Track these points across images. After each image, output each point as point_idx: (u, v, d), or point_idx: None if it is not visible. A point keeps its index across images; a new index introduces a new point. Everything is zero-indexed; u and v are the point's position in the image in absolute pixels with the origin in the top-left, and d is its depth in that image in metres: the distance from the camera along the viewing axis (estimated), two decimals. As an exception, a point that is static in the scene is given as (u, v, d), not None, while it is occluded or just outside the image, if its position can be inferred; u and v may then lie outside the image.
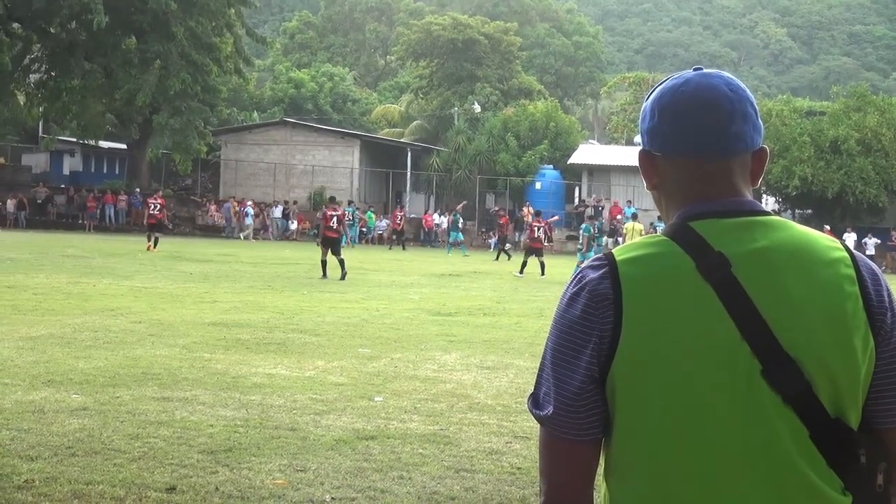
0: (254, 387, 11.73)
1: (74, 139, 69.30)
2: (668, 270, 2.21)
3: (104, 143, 72.28)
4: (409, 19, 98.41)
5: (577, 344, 2.21)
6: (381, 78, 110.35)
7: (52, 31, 59.29)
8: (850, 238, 55.80)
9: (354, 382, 12.40)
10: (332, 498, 7.54)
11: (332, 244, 30.38)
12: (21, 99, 63.01)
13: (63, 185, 66.86)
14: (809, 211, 60.91)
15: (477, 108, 75.67)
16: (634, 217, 42.28)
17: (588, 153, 67.72)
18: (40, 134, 69.77)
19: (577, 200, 65.45)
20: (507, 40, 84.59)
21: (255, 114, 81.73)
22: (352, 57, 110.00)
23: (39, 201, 61.28)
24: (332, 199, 33.31)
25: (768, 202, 63.00)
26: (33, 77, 63.45)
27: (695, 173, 2.34)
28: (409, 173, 69.16)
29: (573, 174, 65.98)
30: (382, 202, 69.15)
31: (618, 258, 2.25)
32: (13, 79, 59.93)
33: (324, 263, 30.18)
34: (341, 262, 29.91)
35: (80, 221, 59.74)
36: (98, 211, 60.98)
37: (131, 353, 13.89)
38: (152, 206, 41.69)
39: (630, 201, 60.36)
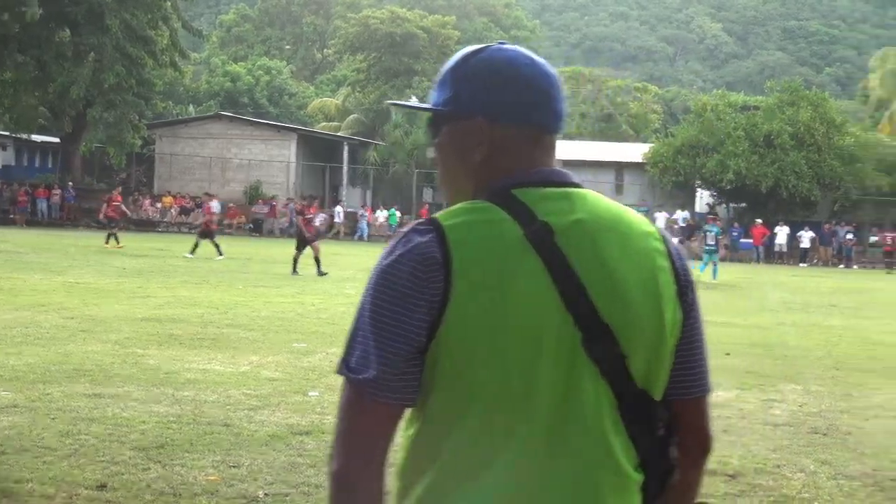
0: (187, 383, 11.66)
1: (6, 133, 68.53)
2: (497, 237, 2.19)
3: (37, 137, 71.52)
4: (346, 12, 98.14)
5: (406, 307, 2.14)
6: (318, 71, 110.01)
7: (-18, 23, 58.63)
8: (783, 231, 56.43)
9: (289, 377, 12.36)
10: (266, 494, 7.50)
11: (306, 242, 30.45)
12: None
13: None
14: (744, 204, 61.40)
15: (414, 101, 75.67)
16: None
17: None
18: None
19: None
20: (445, 34, 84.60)
21: (191, 107, 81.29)
22: (289, 50, 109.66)
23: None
24: (312, 198, 33.56)
25: (703, 196, 63.54)
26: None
27: (529, 143, 2.34)
28: (345, 167, 68.99)
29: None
30: (319, 196, 68.98)
31: (444, 223, 2.21)
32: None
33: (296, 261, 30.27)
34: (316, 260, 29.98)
35: (10, 216, 59.06)
36: (30, 205, 60.33)
37: (63, 349, 13.74)
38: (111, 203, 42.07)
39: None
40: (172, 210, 61.54)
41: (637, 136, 77.91)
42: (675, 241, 2.41)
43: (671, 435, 2.34)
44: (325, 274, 29.44)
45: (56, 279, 24.41)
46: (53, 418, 9.58)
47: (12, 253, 33.43)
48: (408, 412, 2.24)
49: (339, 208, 61.32)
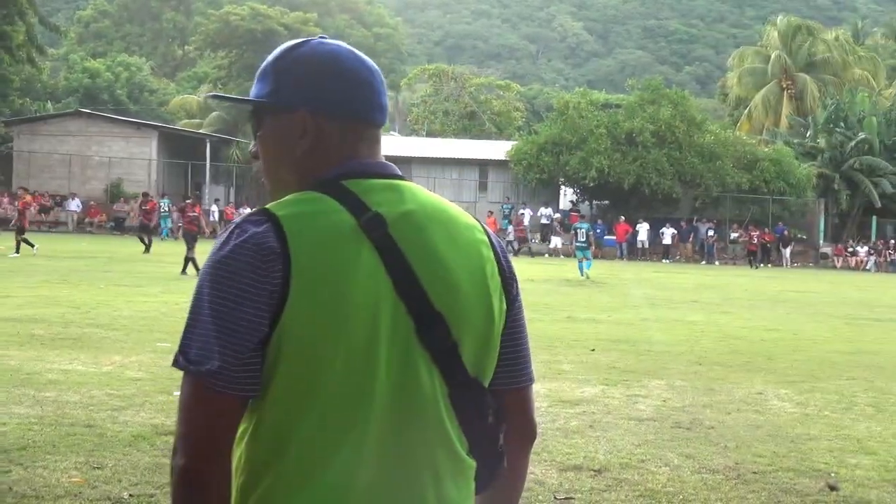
0: (49, 383, 11.48)
1: None
2: (332, 227, 2.21)
3: None
4: (206, 9, 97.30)
5: (247, 298, 2.14)
6: (179, 68, 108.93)
7: None
8: (645, 228, 57.26)
9: (153, 377, 12.22)
10: (131, 495, 7.42)
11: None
12: None
13: None
14: (606, 202, 62.03)
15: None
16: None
17: (389, 144, 67.89)
18: None
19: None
20: (307, 31, 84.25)
21: (49, 104, 79.91)
22: (149, 46, 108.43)
23: None
24: (196, 197, 33.32)
25: (567, 193, 64.11)
26: None
27: (353, 136, 2.38)
28: (208, 165, 68.35)
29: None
30: (181, 194, 68.24)
31: (279, 213, 2.22)
32: None
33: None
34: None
35: None
36: None
37: (-81, 351, 13.46)
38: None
39: (432, 192, 60.66)
40: (31, 208, 60.42)
41: (500, 134, 78.31)
42: (494, 233, 2.48)
43: (500, 423, 2.39)
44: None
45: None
46: None
47: None
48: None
49: (214, 207, 60.77)
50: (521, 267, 36.05)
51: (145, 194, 50.10)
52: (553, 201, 63.81)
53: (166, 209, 56.56)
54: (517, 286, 2.45)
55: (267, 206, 2.25)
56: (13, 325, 16.25)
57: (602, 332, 19.18)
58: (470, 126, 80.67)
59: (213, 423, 2.15)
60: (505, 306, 2.39)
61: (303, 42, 2.42)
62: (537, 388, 12.63)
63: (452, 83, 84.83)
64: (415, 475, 2.24)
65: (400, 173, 2.41)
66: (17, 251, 35.03)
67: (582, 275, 36.35)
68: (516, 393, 2.46)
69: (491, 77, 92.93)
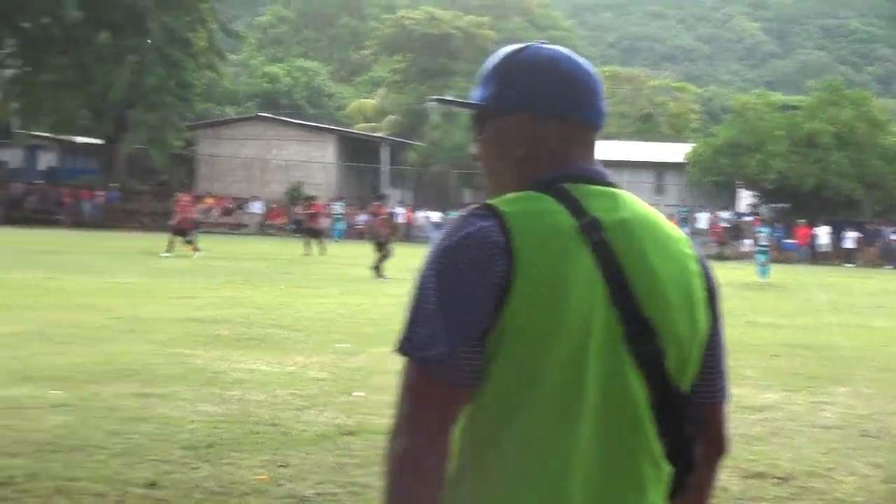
0: (234, 382, 11.72)
1: (49, 134, 68.96)
2: (554, 227, 2.23)
3: (80, 139, 71.99)
4: (381, 13, 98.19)
5: (473, 288, 2.16)
6: (355, 72, 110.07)
7: (24, 26, 59.01)
8: (825, 231, 56.05)
9: (335, 378, 12.40)
10: (315, 493, 7.53)
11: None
12: (-5, 94, 62.77)
13: (38, 181, 66.57)
14: (786, 205, 60.96)
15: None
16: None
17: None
18: (13, 129, 69.41)
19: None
20: (482, 34, 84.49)
21: (231, 109, 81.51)
22: (326, 51, 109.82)
23: (15, 197, 61.03)
24: (381, 198, 33.66)
25: (744, 196, 63.23)
26: (6, 72, 63.17)
27: (571, 139, 2.40)
28: (385, 168, 69.04)
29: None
30: (359, 197, 68.99)
31: (503, 209, 2.24)
32: (-15, 74, 59.74)
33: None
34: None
35: (56, 217, 59.45)
36: (74, 206, 60.75)
37: (110, 349, 13.85)
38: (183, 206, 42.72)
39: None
40: (214, 211, 61.70)
41: (677, 137, 77.55)
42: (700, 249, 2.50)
43: (696, 434, 2.39)
44: (387, 278, 28.50)
45: (102, 280, 24.57)
46: (103, 417, 9.66)
47: (57, 254, 33.65)
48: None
49: (400, 209, 61.27)
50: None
51: (309, 197, 50.73)
52: (730, 204, 62.95)
53: (340, 212, 57.25)
54: (719, 303, 2.46)
55: (489, 202, 2.27)
56: (198, 326, 16.62)
57: (784, 337, 18.86)
58: (645, 128, 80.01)
59: (436, 408, 2.18)
60: (708, 322, 2.41)
61: (523, 47, 2.46)
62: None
63: (628, 85, 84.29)
64: (620, 481, 2.25)
65: (615, 181, 2.42)
66: (169, 251, 35.66)
67: (763, 279, 35.93)
68: (711, 408, 2.49)
69: (666, 79, 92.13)
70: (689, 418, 2.36)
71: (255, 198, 62.68)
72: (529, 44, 2.48)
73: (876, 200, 58.59)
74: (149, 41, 57.09)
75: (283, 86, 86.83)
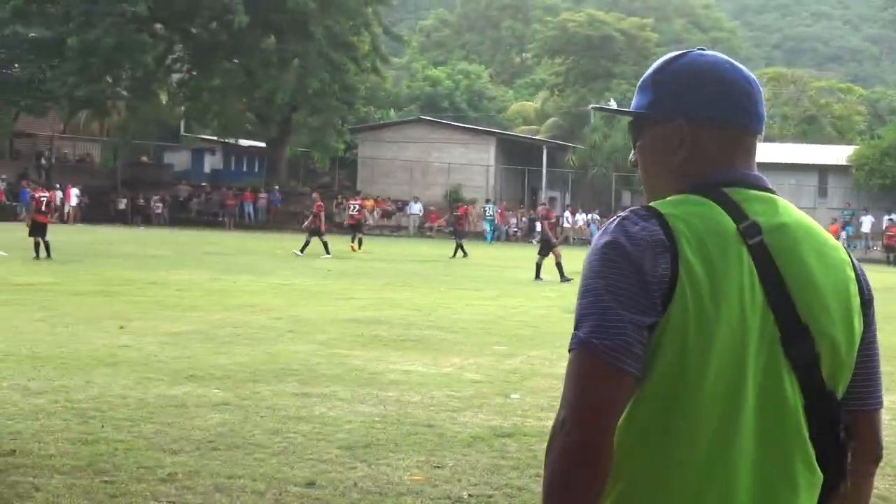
0: (391, 383, 11.80)
1: (215, 137, 70.43)
2: (716, 229, 2.25)
3: (244, 142, 73.41)
4: (544, 16, 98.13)
5: (641, 282, 2.17)
6: (516, 75, 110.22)
7: (193, 31, 60.38)
8: None
9: (490, 380, 12.41)
10: (470, 495, 7.55)
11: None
12: (163, 98, 64.29)
13: (204, 183, 68.02)
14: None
15: (613, 104, 75.33)
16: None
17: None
18: (182, 132, 71.04)
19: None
20: (644, 37, 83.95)
21: (392, 112, 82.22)
22: (488, 54, 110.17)
23: (181, 199, 62.46)
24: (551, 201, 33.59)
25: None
26: (175, 77, 64.71)
27: (730, 145, 2.40)
28: (544, 171, 68.97)
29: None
30: (518, 199, 69.01)
31: (664, 211, 2.26)
32: (156, 78, 61.17)
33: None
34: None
35: (220, 219, 60.69)
36: (238, 208, 61.96)
37: (271, 348, 14.08)
38: (351, 208, 43.25)
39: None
40: (375, 213, 62.32)
41: (841, 139, 76.03)
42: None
43: (849, 440, 2.36)
44: (570, 280, 27.85)
45: (263, 280, 25.05)
46: (263, 416, 9.80)
47: (221, 255, 34.35)
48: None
49: (567, 213, 61.22)
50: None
51: (455, 200, 50.98)
52: (895, 207, 61.52)
53: (491, 214, 57.42)
54: (873, 310, 2.44)
55: (651, 204, 2.29)
56: (357, 326, 16.78)
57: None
58: (809, 130, 78.62)
59: (610, 398, 2.17)
60: (862, 328, 2.38)
61: (682, 54, 2.48)
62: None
63: (791, 87, 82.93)
64: (776, 482, 2.25)
65: (772, 187, 2.42)
66: (302, 251, 36.11)
67: None
68: (865, 415, 2.45)
69: (831, 80, 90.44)
70: (842, 425, 2.34)
71: (415, 199, 63.10)
72: (689, 51, 2.50)
73: None
74: (313, 45, 57.83)
75: (445, 89, 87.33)
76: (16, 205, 55.50)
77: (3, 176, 57.80)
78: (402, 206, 63.70)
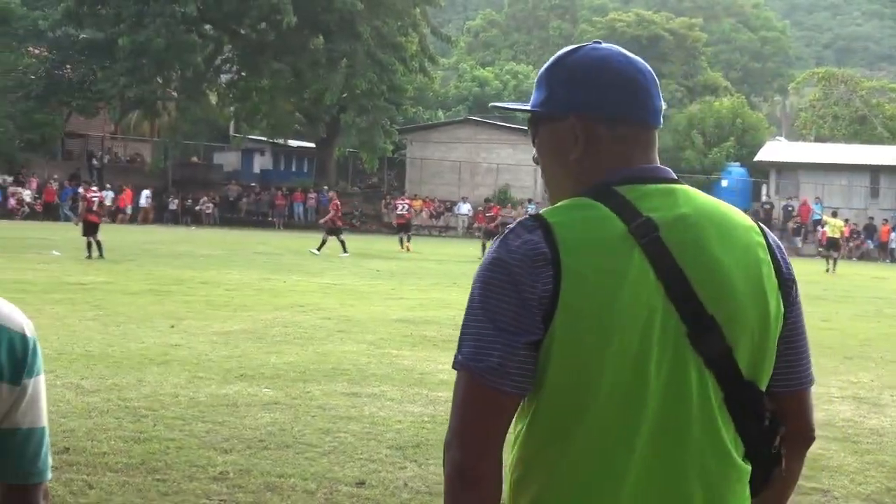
0: (440, 384, 11.80)
1: (264, 138, 70.71)
2: (602, 233, 2.22)
3: (292, 142, 73.69)
4: (592, 16, 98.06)
5: (519, 300, 2.17)
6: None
7: (242, 31, 60.67)
8: None
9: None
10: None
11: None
12: (213, 99, 64.64)
13: (253, 184, 68.36)
14: None
15: (664, 105, 75.07)
16: (834, 214, 42.98)
17: (775, 150, 66.59)
18: (231, 133, 71.38)
19: (763, 198, 64.34)
20: (693, 36, 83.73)
21: (440, 112, 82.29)
22: (535, 55, 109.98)
23: (231, 199, 62.81)
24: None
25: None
26: (224, 77, 65.07)
27: (626, 140, 2.37)
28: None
29: (760, 172, 64.88)
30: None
31: (550, 220, 2.23)
32: (205, 79, 61.52)
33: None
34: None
35: (269, 219, 60.98)
36: (287, 208, 62.24)
37: (320, 348, 14.14)
38: (400, 207, 43.41)
39: (819, 198, 59.22)
40: (423, 213, 62.40)
41: (893, 139, 75.41)
42: (775, 237, 2.44)
43: (777, 426, 2.37)
44: None
45: (313, 280, 25.17)
46: (313, 416, 9.85)
47: (271, 255, 34.54)
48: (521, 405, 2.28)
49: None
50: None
51: (487, 200, 50.96)
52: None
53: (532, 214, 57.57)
54: (796, 289, 2.42)
55: (540, 213, 2.28)
56: (406, 327, 16.82)
57: None
58: (861, 131, 78.04)
59: (489, 419, 2.20)
60: (783, 309, 2.36)
61: (577, 48, 2.45)
62: (889, 399, 12.17)
63: (842, 86, 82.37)
64: (683, 481, 2.24)
65: (675, 177, 2.40)
66: (319, 250, 36.28)
67: None
68: (793, 396, 2.44)
69: (883, 80, 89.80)
70: (767, 411, 2.34)
71: (464, 199, 63.16)
72: (584, 45, 2.46)
73: None
74: (360, 45, 57.97)
75: (493, 89, 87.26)
76: (60, 204, 56.01)
77: (56, 176, 58.26)
78: (450, 206, 63.74)
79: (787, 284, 2.38)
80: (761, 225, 2.42)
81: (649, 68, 2.46)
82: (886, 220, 56.58)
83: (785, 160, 64.51)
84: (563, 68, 2.42)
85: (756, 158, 63.85)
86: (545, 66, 2.47)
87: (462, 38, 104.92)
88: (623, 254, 2.21)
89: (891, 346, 17.61)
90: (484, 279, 2.24)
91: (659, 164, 2.41)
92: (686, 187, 2.38)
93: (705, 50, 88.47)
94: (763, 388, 2.34)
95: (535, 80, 2.50)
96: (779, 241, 2.44)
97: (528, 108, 2.48)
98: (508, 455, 2.31)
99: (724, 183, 63.08)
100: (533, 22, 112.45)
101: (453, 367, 2.25)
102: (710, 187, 63.16)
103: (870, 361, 15.56)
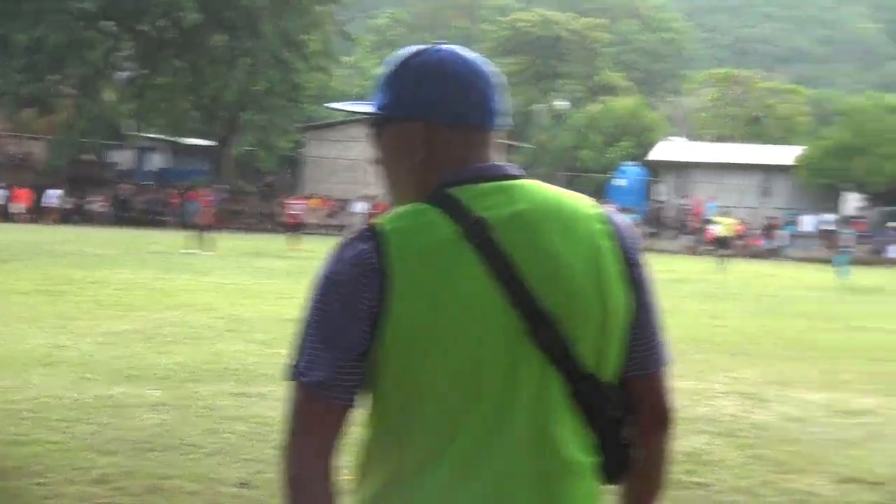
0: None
1: (160, 136, 69.99)
2: (433, 238, 2.24)
3: (190, 140, 72.97)
4: (495, 15, 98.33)
5: (348, 313, 2.22)
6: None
7: (142, 28, 59.98)
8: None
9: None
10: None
11: None
12: (110, 96, 63.83)
13: (148, 182, 67.63)
14: (896, 208, 60.00)
15: (566, 104, 75.56)
16: (727, 213, 43.66)
17: (671, 150, 67.28)
18: (126, 131, 70.54)
19: (658, 197, 65.01)
20: (595, 37, 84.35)
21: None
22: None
23: (125, 198, 62.07)
24: None
25: (849, 199, 62.29)
26: (123, 75, 64.27)
27: (465, 142, 2.38)
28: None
29: (656, 171, 65.50)
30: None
31: (384, 228, 2.26)
32: (103, 76, 60.73)
33: None
34: None
35: (164, 217, 60.32)
36: (182, 207, 61.63)
37: (210, 348, 14.08)
38: (293, 207, 43.62)
39: (712, 197, 59.97)
40: (321, 212, 62.17)
41: (786, 139, 76.53)
42: (623, 219, 2.44)
43: (626, 414, 2.38)
44: None
45: (205, 280, 24.97)
46: (200, 416, 9.83)
47: (164, 254, 34.18)
48: (358, 414, 2.31)
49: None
50: (800, 274, 34.35)
51: (372, 198, 51.25)
52: (834, 208, 61.94)
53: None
54: (645, 272, 2.42)
55: (375, 221, 2.31)
56: (297, 326, 16.73)
57: (888, 342, 18.49)
58: (754, 131, 79.17)
59: (318, 430, 2.24)
60: (628, 295, 2.36)
61: (419, 51, 2.45)
62: (816, 398, 12.44)
63: (738, 88, 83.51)
64: (510, 480, 2.25)
65: (515, 172, 2.41)
66: (191, 250, 36.34)
67: (843, 278, 36.76)
68: (647, 380, 2.45)
69: (776, 81, 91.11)
70: (612, 401, 2.35)
71: (361, 198, 63.00)
72: (427, 47, 2.46)
73: None
74: (263, 43, 57.59)
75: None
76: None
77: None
78: (345, 204, 63.58)
79: (633, 270, 2.38)
80: (608, 210, 2.43)
81: (490, 70, 2.45)
82: (776, 219, 57.50)
83: (680, 160, 65.22)
84: (404, 71, 2.42)
85: (649, 157, 64.41)
86: (388, 68, 2.47)
87: (366, 37, 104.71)
88: (454, 257, 2.22)
89: (776, 342, 17.92)
90: (315, 292, 2.28)
91: (496, 162, 2.41)
92: (526, 182, 2.38)
93: (607, 51, 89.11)
94: (611, 379, 2.35)
95: (377, 82, 2.49)
96: (628, 226, 2.43)
97: (372, 110, 2.48)
98: (352, 461, 2.35)
99: (622, 182, 63.64)
100: (437, 21, 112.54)
101: (285, 378, 2.30)
102: (606, 186, 63.81)
103: (756, 358, 15.81)
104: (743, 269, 41.73)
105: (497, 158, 2.43)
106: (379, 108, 2.46)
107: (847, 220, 50.77)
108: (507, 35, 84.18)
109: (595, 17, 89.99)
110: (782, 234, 57.43)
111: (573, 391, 2.28)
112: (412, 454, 2.25)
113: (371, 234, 2.27)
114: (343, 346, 2.22)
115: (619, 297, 2.33)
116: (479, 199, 2.30)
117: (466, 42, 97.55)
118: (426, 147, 2.38)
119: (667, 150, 66.68)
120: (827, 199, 60.97)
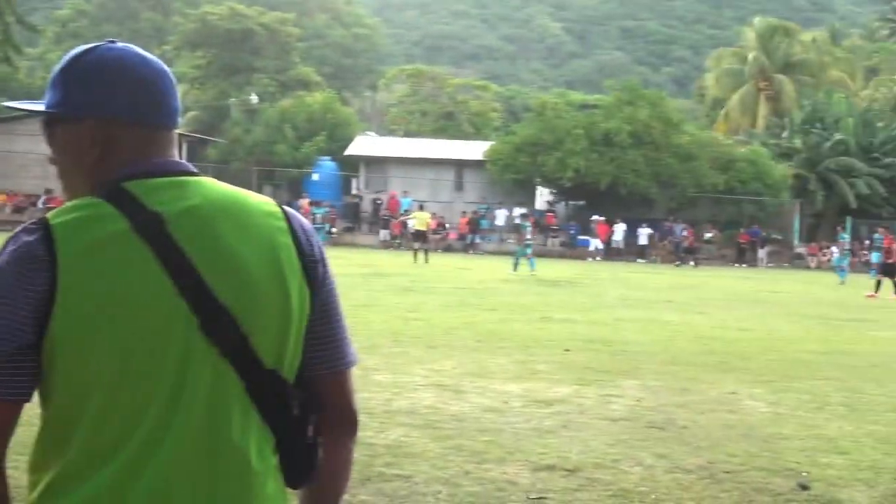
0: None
1: None
2: (103, 231, 2.20)
3: None
4: (185, 8, 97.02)
5: (10, 305, 2.16)
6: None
7: None
8: (621, 228, 57.28)
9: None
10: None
11: None
12: None
13: None
14: (583, 202, 61.91)
15: (255, 98, 75.20)
16: (420, 207, 44.18)
17: (366, 145, 67.76)
18: None
19: (353, 191, 65.42)
20: (285, 31, 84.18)
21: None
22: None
23: None
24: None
25: (543, 194, 64.10)
26: None
27: (142, 140, 2.36)
28: (186, 165, 68.13)
29: (351, 166, 65.85)
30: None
31: (52, 221, 2.21)
32: None
33: None
34: None
35: None
36: None
37: None
38: None
39: (406, 192, 60.71)
40: (6, 208, 60.20)
41: (478, 135, 78.05)
42: (303, 220, 2.45)
43: (309, 414, 2.37)
44: None
45: None
46: None
47: None
48: (32, 409, 2.26)
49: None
50: (496, 266, 35.32)
51: (47, 191, 50.06)
52: (529, 202, 63.65)
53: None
54: (324, 269, 2.43)
55: (45, 215, 2.24)
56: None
57: (577, 332, 19.14)
58: (447, 126, 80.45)
59: None
60: (308, 292, 2.37)
61: (92, 48, 2.40)
62: (512, 388, 12.69)
63: (430, 84, 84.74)
64: (193, 478, 2.22)
65: (192, 170, 2.40)
66: None
67: (531, 270, 38.25)
68: (330, 379, 2.45)
69: (468, 78, 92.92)
70: (295, 399, 2.34)
71: (47, 192, 61.26)
72: (99, 45, 2.41)
73: (669, 198, 59.76)
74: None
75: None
76: None
77: None
78: (35, 200, 61.68)
79: (311, 266, 2.37)
80: (285, 209, 2.43)
81: (166, 68, 2.42)
82: (465, 213, 58.70)
83: (375, 154, 65.72)
84: (77, 69, 2.36)
85: (346, 153, 64.72)
86: (59, 65, 2.40)
87: (50, 27, 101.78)
88: (124, 250, 2.19)
89: (472, 334, 18.27)
90: None
91: (174, 159, 2.39)
92: (202, 179, 2.36)
93: (298, 45, 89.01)
94: (290, 376, 2.33)
95: (50, 80, 2.42)
96: (305, 224, 2.44)
97: (43, 108, 2.41)
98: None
99: (316, 177, 63.75)
100: (124, 12, 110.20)
101: None
102: (301, 181, 63.85)
103: (453, 350, 16.07)
104: (440, 263, 42.45)
105: (174, 156, 2.40)
106: (49, 107, 2.40)
107: (527, 216, 52.09)
108: (197, 28, 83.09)
109: (284, 12, 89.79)
110: (477, 228, 58.56)
111: (251, 387, 2.26)
112: (82, 451, 2.19)
113: (37, 227, 2.21)
114: (8, 337, 2.14)
115: (297, 293, 2.33)
116: (153, 193, 2.27)
117: (157, 34, 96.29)
118: (100, 146, 2.33)
119: (362, 145, 67.07)
120: (521, 193, 62.51)
